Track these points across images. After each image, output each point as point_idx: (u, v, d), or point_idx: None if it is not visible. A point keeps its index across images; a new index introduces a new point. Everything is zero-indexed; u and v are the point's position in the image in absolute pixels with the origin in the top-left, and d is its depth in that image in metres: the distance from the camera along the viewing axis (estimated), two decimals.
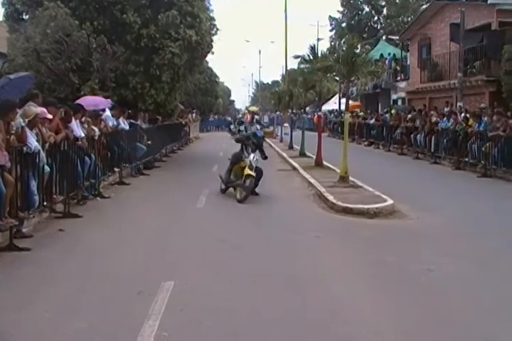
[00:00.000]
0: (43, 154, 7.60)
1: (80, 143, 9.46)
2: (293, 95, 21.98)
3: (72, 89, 15.47)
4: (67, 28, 15.13)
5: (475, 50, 21.62)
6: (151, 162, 16.27)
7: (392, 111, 25.58)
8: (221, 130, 46.23)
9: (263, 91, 70.11)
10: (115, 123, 13.00)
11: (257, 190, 10.77)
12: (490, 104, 19.08)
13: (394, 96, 32.55)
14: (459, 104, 20.07)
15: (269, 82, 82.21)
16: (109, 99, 13.87)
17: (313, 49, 16.35)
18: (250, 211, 9.58)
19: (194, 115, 35.04)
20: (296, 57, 17.53)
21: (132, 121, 14.80)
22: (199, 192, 11.24)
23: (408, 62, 30.53)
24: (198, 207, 9.94)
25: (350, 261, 6.54)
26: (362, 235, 7.82)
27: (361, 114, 30.78)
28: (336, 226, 8.54)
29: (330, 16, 51.77)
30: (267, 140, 21.47)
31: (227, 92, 72.78)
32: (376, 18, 50.65)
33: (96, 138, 10.71)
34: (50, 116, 8.21)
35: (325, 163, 15.98)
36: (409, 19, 41.10)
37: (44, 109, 8.08)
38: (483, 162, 14.59)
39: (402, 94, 30.64)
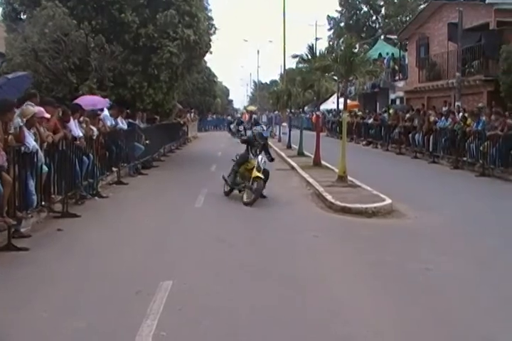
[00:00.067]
0: (41, 154, 7.60)
1: (78, 142, 9.45)
2: (291, 95, 21.96)
3: (70, 88, 15.45)
4: (65, 28, 15.11)
5: (473, 50, 21.65)
6: (150, 161, 16.27)
7: (391, 111, 25.61)
8: (219, 129, 46.26)
9: (261, 91, 70.06)
10: (113, 122, 12.99)
11: None
12: (488, 104, 19.08)
13: (392, 96, 32.60)
14: (457, 103, 20.08)
15: (268, 82, 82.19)
16: (107, 99, 13.85)
17: (311, 48, 16.37)
18: (249, 211, 9.57)
19: (192, 114, 35.03)
20: (295, 56, 17.54)
21: (130, 120, 14.79)
22: (197, 191, 11.23)
23: (406, 62, 30.56)
24: (197, 206, 9.94)
25: (349, 260, 6.54)
26: (360, 235, 7.83)
27: (359, 113, 30.80)
28: (334, 225, 8.54)
29: (328, 16, 51.90)
30: None
31: (226, 92, 72.83)
32: (374, 17, 50.67)
33: (94, 137, 10.70)
34: (47, 116, 8.21)
35: (323, 162, 15.98)
36: (408, 19, 41.16)
37: (42, 109, 8.08)
38: (481, 161, 14.62)
39: (401, 94, 30.68)
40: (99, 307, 4.77)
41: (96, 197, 10.43)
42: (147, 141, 15.21)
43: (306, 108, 40.53)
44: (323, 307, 4.87)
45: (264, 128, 11.56)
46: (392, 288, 5.45)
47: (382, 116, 25.50)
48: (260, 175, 9.96)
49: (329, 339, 4.26)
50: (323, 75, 16.08)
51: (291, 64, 43.37)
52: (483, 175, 14.25)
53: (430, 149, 18.16)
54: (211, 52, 20.47)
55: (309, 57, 16.20)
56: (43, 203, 7.91)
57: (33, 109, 7.79)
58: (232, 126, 32.48)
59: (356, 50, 14.84)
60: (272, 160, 11.11)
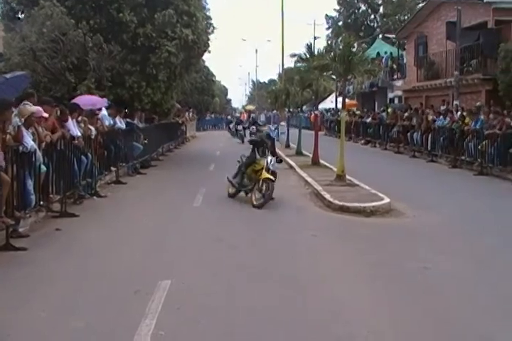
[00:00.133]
0: (39, 153, 7.59)
1: (76, 142, 9.44)
2: (290, 94, 21.94)
3: (68, 88, 15.42)
4: (63, 27, 15.09)
5: (471, 49, 21.66)
6: (148, 161, 16.27)
7: (389, 110, 25.62)
8: (218, 129, 46.23)
9: (260, 90, 70.11)
10: (112, 122, 12.97)
11: None
12: (486, 103, 19.09)
13: (390, 95, 32.60)
14: (455, 102, 20.09)
15: (266, 81, 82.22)
16: (105, 98, 13.85)
17: (309, 47, 16.36)
18: (247, 210, 9.56)
19: (191, 114, 35.00)
20: (293, 55, 17.55)
21: (129, 120, 14.80)
22: (196, 191, 11.23)
23: (405, 61, 30.56)
24: (195, 206, 9.93)
25: (348, 260, 6.54)
26: (359, 234, 7.83)
27: (358, 112, 30.80)
28: (332, 224, 8.55)
29: (326, 15, 51.83)
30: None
31: (224, 91, 72.74)
32: (373, 16, 50.63)
33: (92, 137, 10.70)
34: (45, 115, 8.20)
35: (321, 161, 15.99)
36: (406, 17, 41.10)
37: (40, 108, 8.07)
38: (479, 160, 14.63)
39: (399, 93, 30.68)
40: (98, 307, 4.77)
41: (94, 197, 10.43)
42: (145, 141, 15.20)
43: (304, 107, 40.59)
44: (323, 308, 4.87)
45: (272, 128, 11.49)
46: (391, 287, 5.46)
47: (381, 115, 25.50)
48: (270, 176, 9.71)
49: (330, 340, 4.26)
50: (321, 74, 16.07)
51: (290, 63, 43.11)
52: (482, 173, 14.26)
53: (428, 148, 18.16)
54: (209, 52, 20.45)
55: (307, 56, 16.19)
56: (42, 203, 7.91)
57: (31, 108, 7.79)
58: (231, 126, 32.46)
59: (354, 49, 14.81)
60: (280, 161, 10.93)
